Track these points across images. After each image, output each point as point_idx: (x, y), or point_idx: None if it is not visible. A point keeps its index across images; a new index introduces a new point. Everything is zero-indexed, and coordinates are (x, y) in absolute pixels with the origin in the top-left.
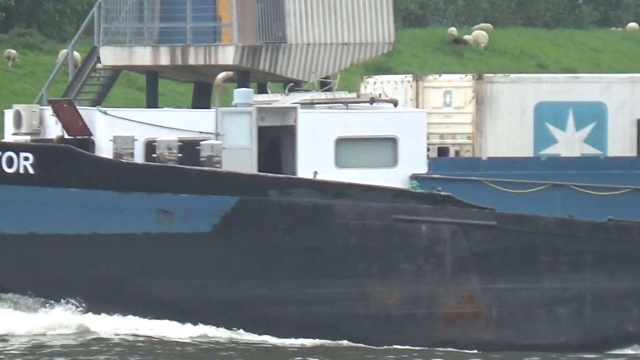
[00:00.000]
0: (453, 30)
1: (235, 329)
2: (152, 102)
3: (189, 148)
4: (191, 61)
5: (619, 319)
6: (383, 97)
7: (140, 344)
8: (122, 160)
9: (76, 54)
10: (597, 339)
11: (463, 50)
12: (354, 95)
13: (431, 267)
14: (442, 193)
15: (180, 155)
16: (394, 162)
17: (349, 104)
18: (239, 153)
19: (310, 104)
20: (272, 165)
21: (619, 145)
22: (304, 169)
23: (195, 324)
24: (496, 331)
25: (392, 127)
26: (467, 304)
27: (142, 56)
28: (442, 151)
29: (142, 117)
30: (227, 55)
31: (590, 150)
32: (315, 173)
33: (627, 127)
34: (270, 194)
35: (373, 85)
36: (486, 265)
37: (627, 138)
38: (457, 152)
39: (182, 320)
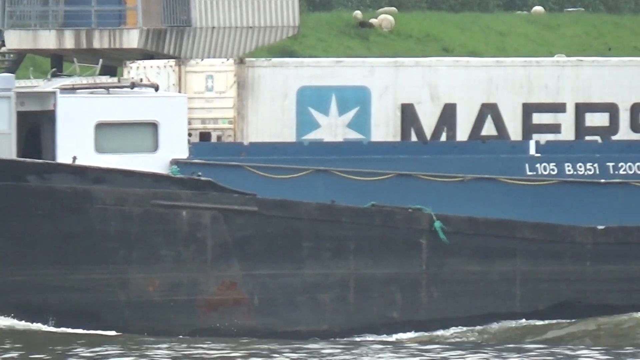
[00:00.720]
0: (358, 13)
1: None
2: None
3: None
4: (96, 45)
5: (382, 306)
6: (144, 82)
7: None
8: None
9: None
10: (361, 325)
11: (368, 34)
12: (115, 80)
13: (192, 253)
14: (203, 178)
15: None
16: (154, 147)
17: (110, 89)
18: None
19: (72, 89)
20: (32, 150)
21: (382, 130)
22: (64, 154)
23: None
24: (257, 318)
25: (152, 112)
26: (228, 291)
27: (47, 40)
28: (204, 136)
29: None
30: (131, 38)
31: (354, 135)
32: (74, 158)
33: (391, 112)
34: (29, 179)
35: (136, 70)
36: (247, 251)
37: (391, 123)
38: (219, 137)
39: None
